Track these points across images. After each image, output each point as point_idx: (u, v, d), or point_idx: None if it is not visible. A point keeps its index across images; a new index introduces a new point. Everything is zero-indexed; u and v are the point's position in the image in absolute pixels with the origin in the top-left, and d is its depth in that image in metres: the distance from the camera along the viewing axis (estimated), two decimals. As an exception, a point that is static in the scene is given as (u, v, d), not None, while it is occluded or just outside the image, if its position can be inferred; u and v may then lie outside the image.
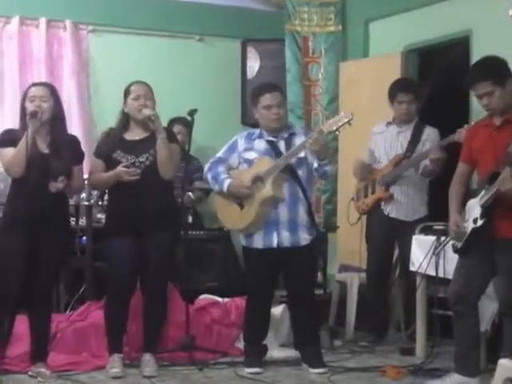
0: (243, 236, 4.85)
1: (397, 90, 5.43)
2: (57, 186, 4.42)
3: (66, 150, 4.50)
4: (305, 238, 4.74)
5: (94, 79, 6.71)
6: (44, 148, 4.48)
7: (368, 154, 5.62)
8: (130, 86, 4.77)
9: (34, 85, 4.62)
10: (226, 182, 4.77)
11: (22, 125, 4.48)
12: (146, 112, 4.66)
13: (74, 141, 4.66)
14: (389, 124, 5.54)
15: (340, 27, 6.93)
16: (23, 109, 4.50)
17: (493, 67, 4.11)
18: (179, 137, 5.36)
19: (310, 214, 4.79)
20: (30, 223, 4.35)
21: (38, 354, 4.56)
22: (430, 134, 5.41)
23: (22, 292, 4.37)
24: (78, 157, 4.64)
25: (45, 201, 4.39)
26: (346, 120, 4.58)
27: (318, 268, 5.95)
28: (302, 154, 4.71)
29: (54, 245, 4.46)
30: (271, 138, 4.81)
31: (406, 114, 5.43)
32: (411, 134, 5.44)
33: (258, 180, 4.71)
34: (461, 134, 4.84)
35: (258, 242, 4.76)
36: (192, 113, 5.00)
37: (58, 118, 4.55)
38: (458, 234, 4.19)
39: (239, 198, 4.76)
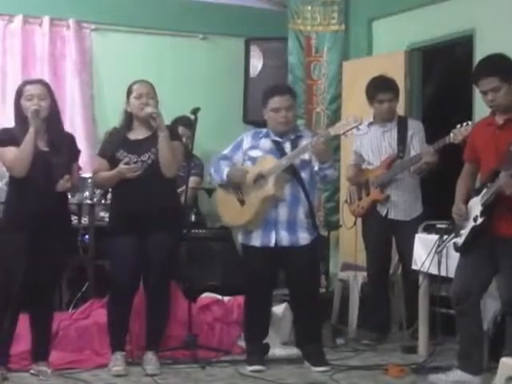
0: (242, 233, 4.85)
1: (376, 89, 5.37)
2: (65, 185, 4.41)
3: (65, 147, 4.50)
4: (304, 237, 4.73)
5: (97, 78, 6.72)
6: (43, 146, 4.45)
7: (354, 155, 5.58)
8: (133, 84, 4.77)
9: (29, 83, 4.55)
10: (226, 170, 4.78)
11: (20, 124, 4.43)
12: (148, 110, 4.65)
13: (71, 138, 4.65)
14: (370, 124, 5.47)
15: (343, 26, 6.92)
16: (18, 107, 4.44)
17: (500, 64, 4.13)
18: (182, 139, 5.34)
19: (311, 216, 4.77)
20: (35, 222, 4.34)
21: (40, 353, 4.56)
22: (414, 128, 5.39)
23: (25, 291, 4.37)
24: (75, 154, 4.64)
25: (50, 199, 4.38)
26: (354, 124, 4.56)
27: (321, 269, 5.94)
28: (306, 157, 4.70)
29: (56, 244, 4.44)
30: (277, 139, 4.81)
31: (388, 112, 5.38)
32: (397, 132, 5.39)
33: (261, 178, 4.71)
34: (456, 135, 4.81)
35: (256, 240, 4.76)
36: (195, 111, 5.01)
37: (54, 115, 4.52)
38: (459, 218, 4.19)
39: (240, 193, 4.76)
